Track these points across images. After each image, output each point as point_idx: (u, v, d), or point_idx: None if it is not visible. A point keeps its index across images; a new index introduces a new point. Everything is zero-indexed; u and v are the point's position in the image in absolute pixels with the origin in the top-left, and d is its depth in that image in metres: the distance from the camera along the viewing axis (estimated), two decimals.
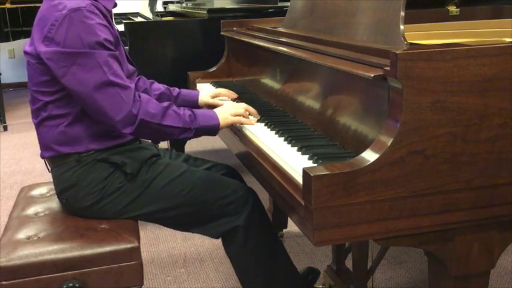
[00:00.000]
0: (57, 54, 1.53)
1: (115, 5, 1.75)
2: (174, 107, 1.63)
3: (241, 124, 1.73)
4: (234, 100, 2.05)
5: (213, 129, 1.68)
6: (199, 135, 1.67)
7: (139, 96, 1.58)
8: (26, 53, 1.63)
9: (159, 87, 2.01)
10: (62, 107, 1.63)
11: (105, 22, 1.60)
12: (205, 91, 2.08)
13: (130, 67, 1.81)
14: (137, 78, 1.99)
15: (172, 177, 1.70)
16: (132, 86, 1.58)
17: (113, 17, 1.78)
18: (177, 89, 2.03)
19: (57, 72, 1.55)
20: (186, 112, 1.64)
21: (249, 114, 1.76)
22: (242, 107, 1.75)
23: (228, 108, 1.74)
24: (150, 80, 2.03)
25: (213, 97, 2.05)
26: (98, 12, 1.58)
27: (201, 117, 1.66)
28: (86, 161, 1.66)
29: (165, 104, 1.63)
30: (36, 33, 1.58)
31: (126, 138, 1.71)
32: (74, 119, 1.63)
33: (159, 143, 4.14)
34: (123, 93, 1.55)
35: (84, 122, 1.63)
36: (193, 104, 2.04)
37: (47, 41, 1.54)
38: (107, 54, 1.55)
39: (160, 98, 1.98)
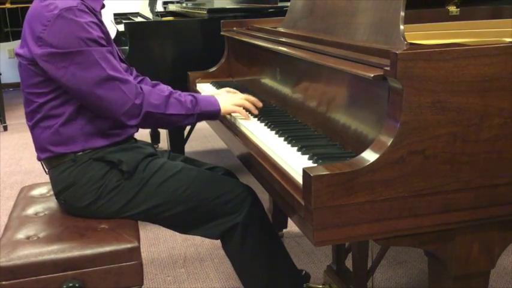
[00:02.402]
0: (53, 55, 1.53)
1: (103, 6, 1.75)
2: (175, 94, 1.68)
3: (240, 115, 1.77)
4: None
5: (214, 115, 1.74)
6: (201, 120, 1.75)
7: (141, 89, 1.62)
8: (17, 55, 1.63)
9: (162, 89, 2.01)
10: (56, 107, 1.63)
11: (96, 20, 1.61)
12: (206, 92, 2.08)
13: (123, 65, 1.81)
14: (141, 78, 2.00)
15: (169, 175, 1.70)
16: (131, 79, 1.62)
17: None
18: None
19: (55, 74, 1.55)
20: (187, 98, 1.69)
21: (248, 109, 1.80)
22: (242, 97, 1.81)
23: (229, 97, 1.80)
24: (155, 82, 2.03)
25: None
26: (88, 11, 1.59)
27: (203, 103, 1.71)
28: (82, 160, 1.66)
29: (167, 92, 1.67)
30: (28, 35, 1.58)
31: (121, 136, 1.71)
32: (68, 119, 1.63)
33: (159, 142, 4.15)
34: (123, 86, 1.58)
35: (79, 121, 1.64)
36: None
37: (40, 41, 1.54)
38: (102, 50, 1.57)
39: None
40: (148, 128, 1.79)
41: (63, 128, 1.64)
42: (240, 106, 1.77)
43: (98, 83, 1.54)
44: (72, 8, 1.54)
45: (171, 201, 1.69)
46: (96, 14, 1.65)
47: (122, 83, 1.57)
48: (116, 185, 1.66)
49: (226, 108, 1.75)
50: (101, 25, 1.63)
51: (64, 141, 1.65)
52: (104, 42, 1.59)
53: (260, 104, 1.81)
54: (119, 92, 1.56)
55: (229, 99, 1.78)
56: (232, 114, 1.80)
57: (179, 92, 1.72)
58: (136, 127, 1.68)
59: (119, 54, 1.82)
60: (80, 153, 1.66)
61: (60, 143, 1.65)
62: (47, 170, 1.74)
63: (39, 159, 1.72)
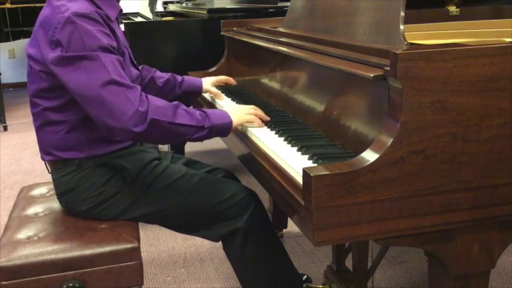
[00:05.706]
0: (62, 59, 1.49)
1: (120, 12, 1.71)
2: (183, 106, 1.57)
3: (252, 125, 1.67)
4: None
5: (226, 128, 1.63)
6: (212, 136, 1.61)
7: (147, 97, 1.53)
8: (29, 56, 1.59)
9: (162, 75, 2.06)
10: (62, 113, 1.60)
11: (107, 31, 1.55)
12: (206, 79, 2.15)
13: (134, 71, 1.78)
14: (140, 67, 1.99)
15: (171, 181, 1.69)
16: (138, 87, 1.54)
17: (119, 21, 1.74)
18: (180, 76, 2.08)
19: (64, 79, 1.51)
20: (196, 111, 1.59)
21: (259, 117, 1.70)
22: (251, 107, 1.71)
23: (239, 108, 1.71)
24: (153, 69, 2.06)
25: (213, 85, 2.14)
26: (101, 20, 1.54)
27: (213, 116, 1.60)
28: (86, 166, 1.65)
29: (174, 102, 1.58)
30: (42, 37, 1.54)
31: (127, 142, 1.70)
32: (75, 126, 1.61)
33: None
34: (128, 92, 1.49)
35: (85, 128, 1.61)
36: (198, 90, 2.12)
37: (53, 44, 1.50)
38: (110, 57, 1.51)
39: (166, 85, 2.03)
40: (157, 141, 1.63)
41: (69, 135, 1.62)
42: (251, 115, 1.68)
43: (102, 86, 1.47)
44: (84, 15, 1.50)
45: (172, 207, 1.68)
46: (110, 24, 1.59)
47: (126, 89, 1.50)
48: (118, 190, 1.66)
49: (238, 119, 1.65)
50: (111, 35, 1.57)
51: (69, 147, 1.63)
52: (113, 50, 1.54)
53: (268, 118, 1.71)
54: (123, 97, 1.48)
55: (238, 110, 1.68)
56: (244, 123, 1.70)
57: (191, 107, 1.63)
58: (143, 137, 1.56)
59: (132, 59, 1.78)
60: (85, 159, 1.65)
61: (64, 149, 1.63)
62: (49, 170, 1.73)
63: (43, 159, 1.72)
